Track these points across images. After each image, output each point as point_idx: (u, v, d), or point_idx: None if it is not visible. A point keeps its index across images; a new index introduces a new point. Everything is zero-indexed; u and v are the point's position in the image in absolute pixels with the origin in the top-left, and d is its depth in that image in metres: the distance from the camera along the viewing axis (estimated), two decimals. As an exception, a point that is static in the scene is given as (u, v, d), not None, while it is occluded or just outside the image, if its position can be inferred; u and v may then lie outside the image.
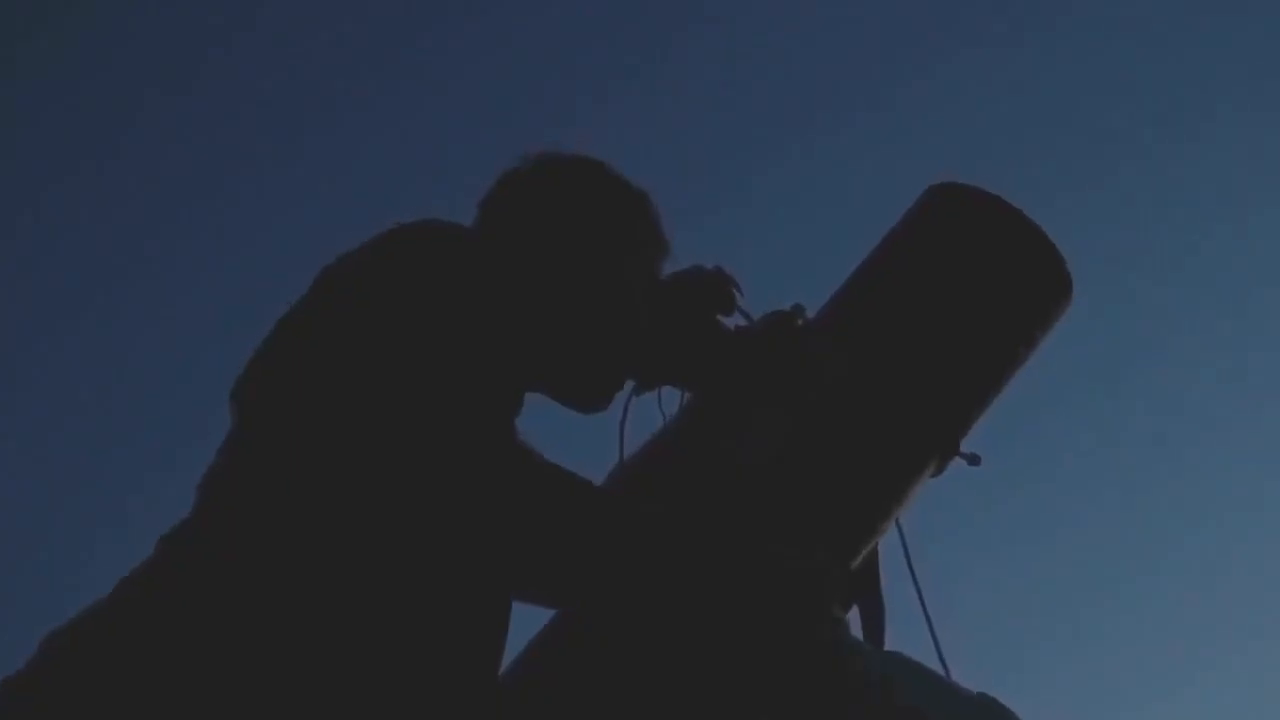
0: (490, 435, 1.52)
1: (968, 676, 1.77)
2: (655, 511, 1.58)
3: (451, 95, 5.59)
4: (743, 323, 1.95)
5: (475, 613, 1.58)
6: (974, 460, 1.88)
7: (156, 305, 5.28)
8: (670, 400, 1.97)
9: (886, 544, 1.90)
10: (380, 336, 1.53)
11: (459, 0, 5.67)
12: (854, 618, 1.85)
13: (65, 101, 5.24)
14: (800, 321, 1.91)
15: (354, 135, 5.55)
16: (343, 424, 1.50)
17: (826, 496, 1.78)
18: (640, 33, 5.49)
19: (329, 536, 1.49)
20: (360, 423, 1.49)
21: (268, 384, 1.59)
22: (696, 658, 1.62)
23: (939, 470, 1.88)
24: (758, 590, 1.55)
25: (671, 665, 1.62)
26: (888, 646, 1.85)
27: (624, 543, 1.53)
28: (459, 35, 5.55)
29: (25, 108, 5.24)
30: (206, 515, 1.56)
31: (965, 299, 1.89)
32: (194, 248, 5.31)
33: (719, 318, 1.96)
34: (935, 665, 1.82)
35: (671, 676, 1.63)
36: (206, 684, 1.44)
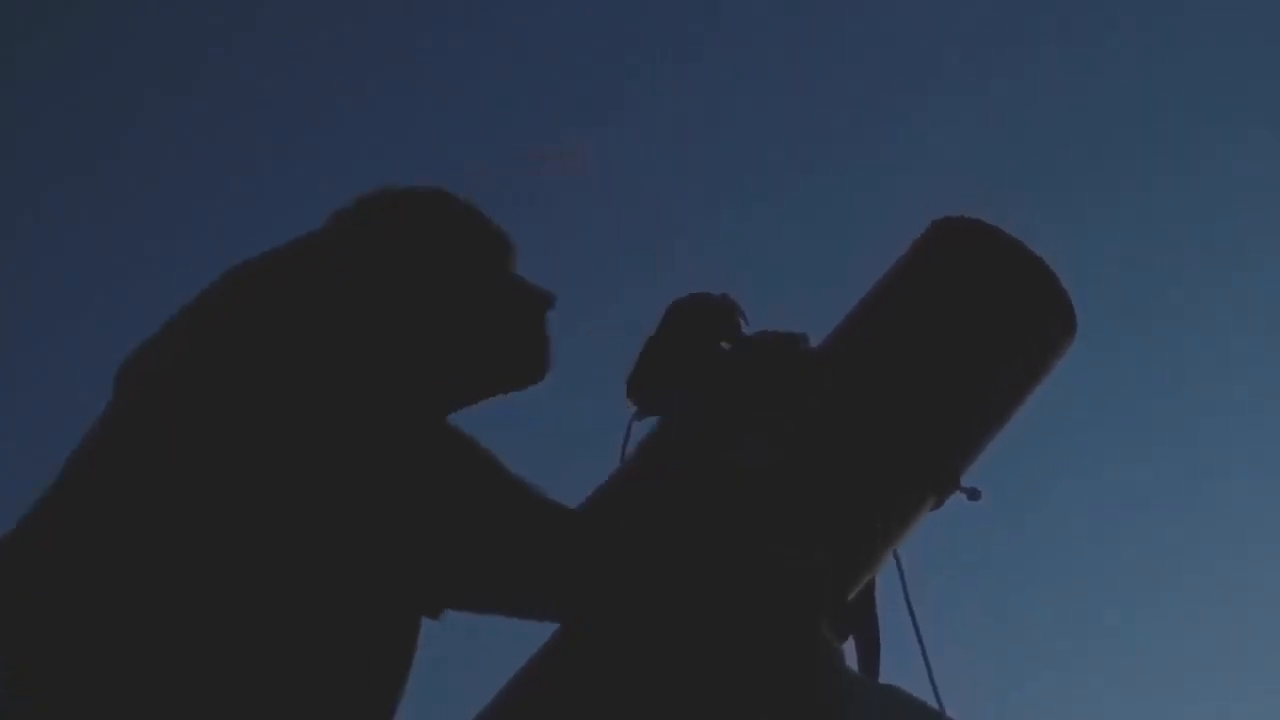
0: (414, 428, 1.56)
1: (962, 711, 1.78)
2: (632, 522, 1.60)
3: (453, 96, 5.60)
4: (747, 351, 1.95)
5: (380, 625, 1.57)
6: (974, 495, 1.89)
7: (157, 305, 5.25)
8: (671, 426, 1.97)
9: (883, 576, 1.90)
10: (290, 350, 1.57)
11: (461, 1, 5.67)
12: (849, 649, 1.86)
13: (65, 101, 5.24)
14: (803, 349, 1.92)
15: (354, 135, 5.55)
16: (248, 419, 1.52)
17: (825, 529, 1.78)
18: (647, 47, 5.50)
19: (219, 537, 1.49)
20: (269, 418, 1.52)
21: (167, 381, 1.59)
22: (697, 655, 1.63)
23: (939, 503, 1.88)
24: (758, 586, 1.57)
25: (671, 662, 1.63)
26: (882, 679, 1.86)
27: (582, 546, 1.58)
28: (459, 36, 5.56)
29: (25, 108, 5.24)
30: (88, 501, 1.54)
31: (969, 333, 1.89)
32: (194, 248, 5.30)
33: (723, 345, 1.96)
34: (929, 699, 1.82)
35: (671, 674, 1.63)
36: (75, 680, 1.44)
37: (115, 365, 1.67)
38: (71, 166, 5.23)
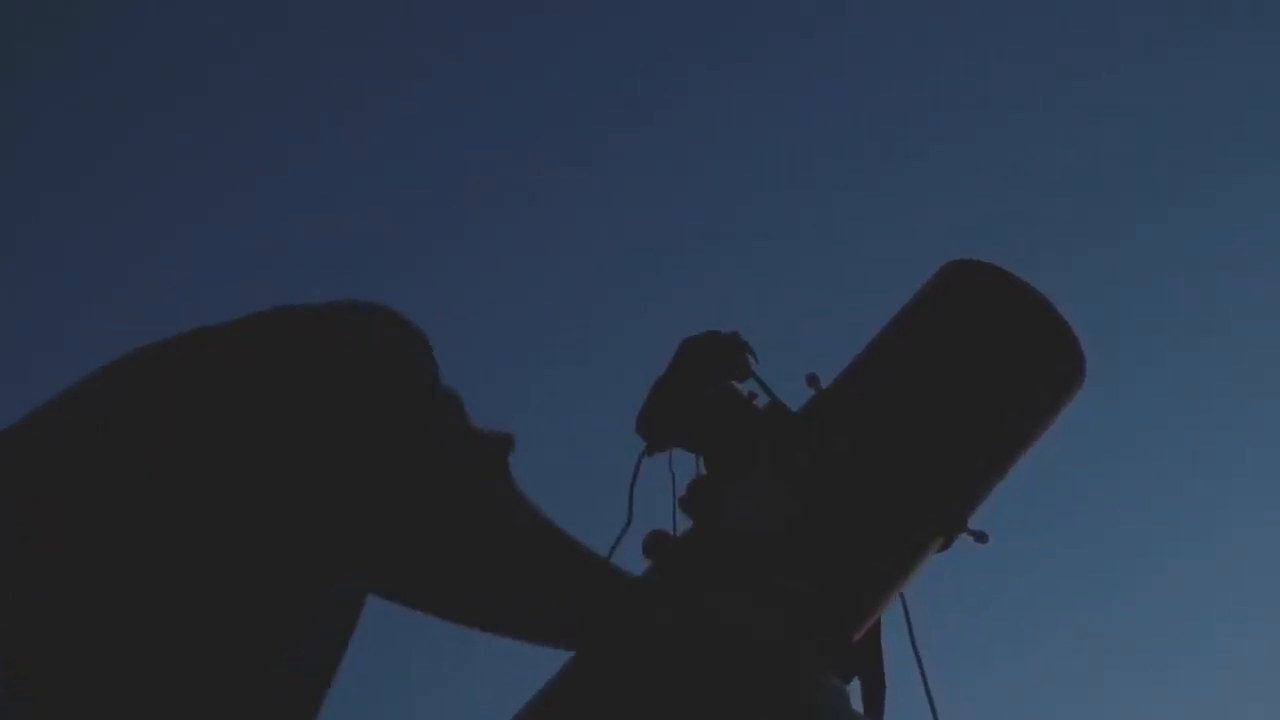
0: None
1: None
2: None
3: (453, 97, 5.60)
4: (757, 389, 1.96)
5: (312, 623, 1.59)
6: (981, 538, 1.89)
7: (157, 306, 5.27)
8: (681, 462, 1.98)
9: (889, 617, 1.91)
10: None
11: (462, 6, 5.67)
12: (855, 691, 1.86)
13: (65, 101, 5.23)
14: (815, 391, 1.93)
15: (354, 136, 5.56)
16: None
17: (830, 569, 1.79)
18: (650, 48, 5.50)
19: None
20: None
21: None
22: (693, 675, 1.64)
23: (945, 546, 1.89)
24: (756, 610, 1.57)
25: (668, 683, 1.65)
26: (887, 721, 1.87)
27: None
28: (460, 35, 5.55)
29: (25, 108, 5.23)
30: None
31: (977, 378, 1.89)
32: (195, 248, 5.31)
33: (734, 384, 1.96)
34: (934, 742, 1.83)
35: (668, 694, 1.65)
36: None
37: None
38: (72, 166, 5.23)
